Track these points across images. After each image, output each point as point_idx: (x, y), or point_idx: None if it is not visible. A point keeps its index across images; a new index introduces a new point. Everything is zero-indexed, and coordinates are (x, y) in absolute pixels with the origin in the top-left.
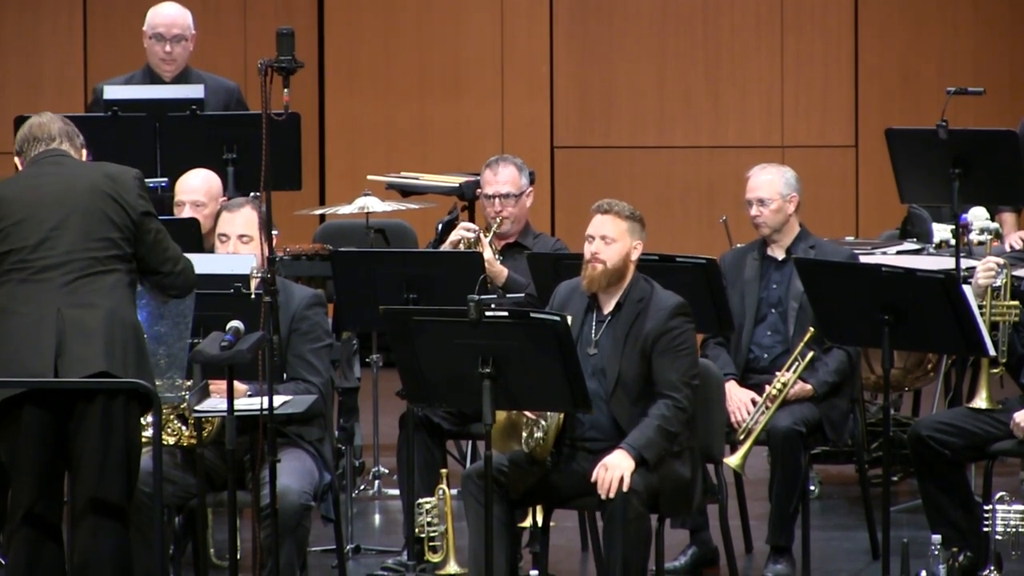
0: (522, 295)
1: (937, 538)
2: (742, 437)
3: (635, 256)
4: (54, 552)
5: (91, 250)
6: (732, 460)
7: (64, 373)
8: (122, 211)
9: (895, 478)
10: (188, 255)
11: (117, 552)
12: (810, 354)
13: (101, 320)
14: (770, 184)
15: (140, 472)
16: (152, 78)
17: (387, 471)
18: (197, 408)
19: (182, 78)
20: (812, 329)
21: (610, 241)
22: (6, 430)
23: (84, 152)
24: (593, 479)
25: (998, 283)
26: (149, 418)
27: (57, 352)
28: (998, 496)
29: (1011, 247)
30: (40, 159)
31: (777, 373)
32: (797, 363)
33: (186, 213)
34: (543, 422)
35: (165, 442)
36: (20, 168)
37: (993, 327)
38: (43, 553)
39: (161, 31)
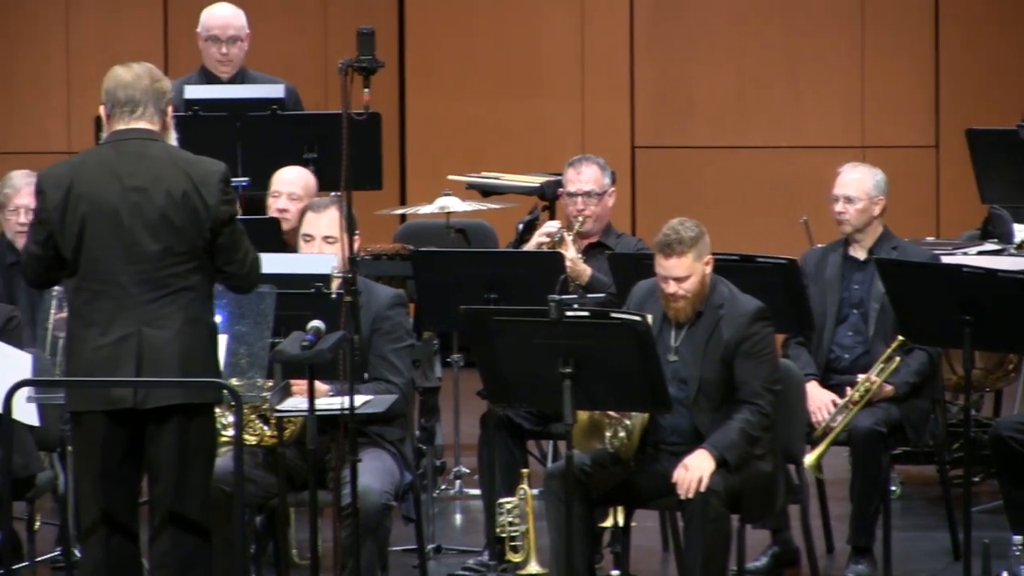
0: (603, 295)
1: (1019, 539)
2: (819, 436)
3: (709, 270)
4: (130, 551)
5: (172, 265)
6: (806, 460)
7: (141, 402)
8: (206, 219)
9: (976, 479)
10: (268, 255)
11: (197, 561)
12: (896, 359)
13: (177, 347)
14: (859, 183)
15: (221, 471)
16: (208, 79)
17: (468, 471)
18: (278, 408)
19: (238, 79)
20: (901, 337)
21: (684, 279)
22: (79, 434)
23: (170, 111)
24: (673, 480)
25: None
26: (230, 418)
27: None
28: None
29: None
30: (122, 142)
31: (860, 376)
32: (882, 368)
33: (281, 204)
34: (627, 422)
35: (246, 442)
36: (106, 125)
37: None
38: (118, 552)
39: (216, 33)
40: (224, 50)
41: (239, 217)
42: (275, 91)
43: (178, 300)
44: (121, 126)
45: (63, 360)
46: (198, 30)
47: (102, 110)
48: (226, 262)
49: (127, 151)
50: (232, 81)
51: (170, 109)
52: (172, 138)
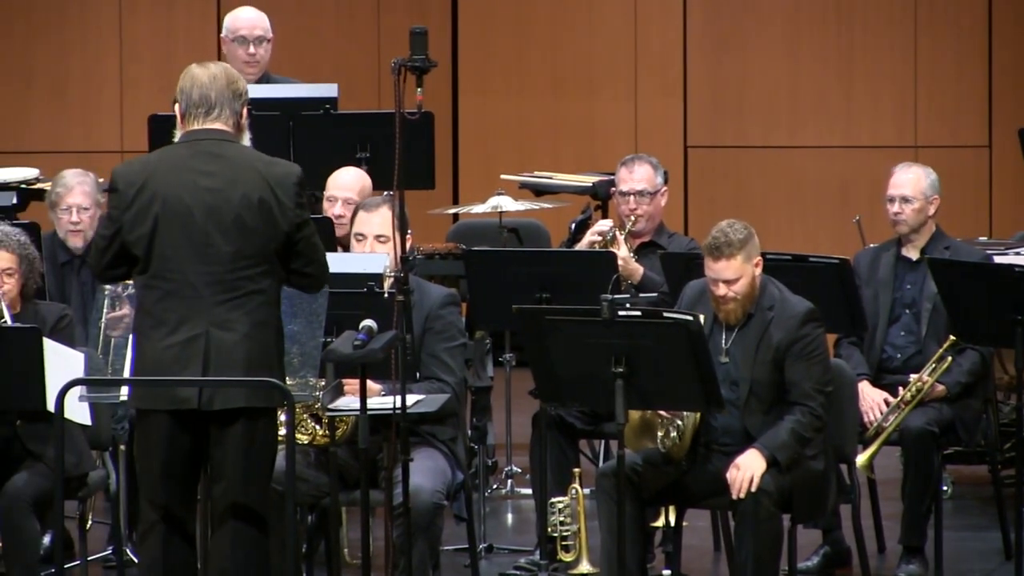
0: (655, 295)
1: None
2: (871, 436)
3: (758, 271)
4: (186, 551)
5: (243, 268)
6: (858, 460)
7: (206, 403)
8: (281, 222)
9: None
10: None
11: (257, 562)
12: (948, 359)
13: (244, 350)
14: (915, 183)
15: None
16: None
17: (519, 470)
18: (330, 407)
19: (262, 82)
20: (953, 337)
21: (733, 281)
22: (142, 431)
23: (246, 112)
24: (728, 479)
25: None
26: (283, 417)
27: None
28: None
29: None
30: (197, 143)
31: (912, 376)
32: (934, 367)
33: (337, 209)
34: (679, 422)
35: (299, 441)
36: (179, 124)
37: None
38: (175, 552)
39: (244, 33)
40: (252, 50)
41: None
42: (328, 90)
43: (248, 303)
44: (196, 126)
45: (115, 358)
46: (223, 34)
47: (176, 108)
48: (306, 263)
49: (202, 151)
50: (257, 84)
51: (246, 111)
52: (246, 139)
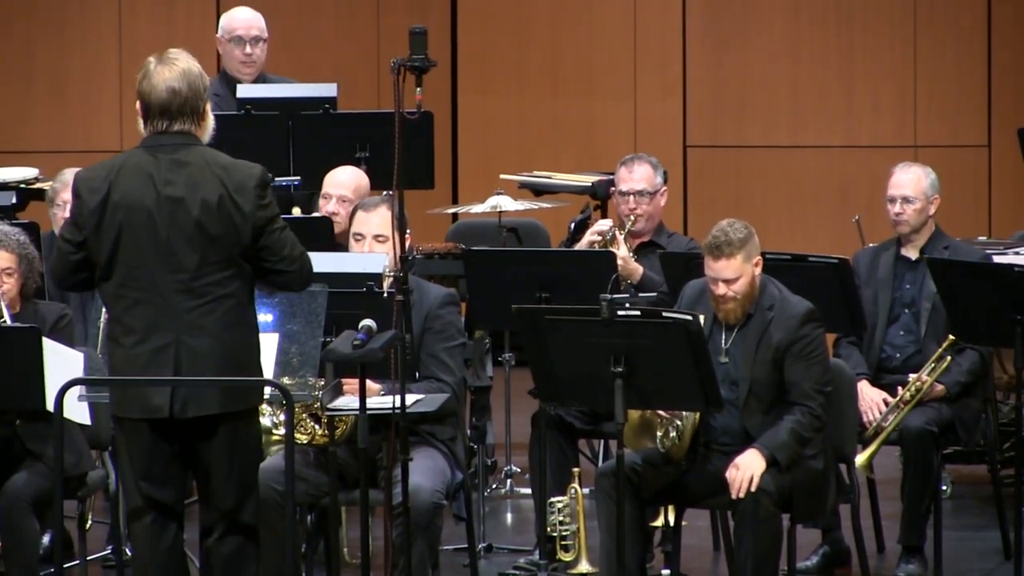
0: (655, 294)
1: None
2: (871, 435)
3: (758, 271)
4: (178, 549)
5: (210, 274)
6: (858, 460)
7: (180, 412)
8: (243, 227)
9: None
10: (320, 254)
11: (247, 561)
12: (948, 359)
13: (216, 356)
14: (916, 183)
15: (272, 470)
16: (228, 84)
17: (519, 470)
18: (330, 406)
19: (259, 82)
20: (952, 337)
21: (733, 281)
22: (122, 437)
23: (208, 108)
24: (728, 478)
25: None
26: (282, 416)
27: (173, 389)
28: None
29: None
30: (159, 148)
31: (911, 375)
32: (933, 367)
33: (331, 207)
34: (678, 422)
35: (298, 440)
36: (141, 124)
37: None
38: (167, 551)
39: (240, 33)
40: (248, 50)
41: (295, 216)
42: (328, 90)
43: (218, 308)
44: (157, 130)
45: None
46: (219, 34)
47: (138, 105)
48: (275, 260)
49: (164, 157)
50: (254, 84)
51: (208, 107)
52: (209, 128)
